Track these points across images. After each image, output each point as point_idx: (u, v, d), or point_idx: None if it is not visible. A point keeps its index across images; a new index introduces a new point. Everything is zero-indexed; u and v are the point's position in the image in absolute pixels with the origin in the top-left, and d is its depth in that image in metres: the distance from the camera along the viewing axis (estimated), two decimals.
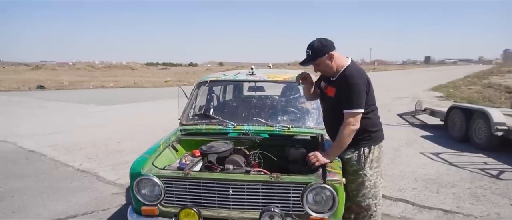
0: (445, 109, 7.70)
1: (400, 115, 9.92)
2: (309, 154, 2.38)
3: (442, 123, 7.74)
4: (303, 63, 2.45)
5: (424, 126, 8.55)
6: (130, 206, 2.50)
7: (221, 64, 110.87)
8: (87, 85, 23.86)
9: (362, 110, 2.32)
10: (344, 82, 2.35)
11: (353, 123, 2.30)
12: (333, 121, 2.43)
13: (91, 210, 3.67)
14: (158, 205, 2.36)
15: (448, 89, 18.76)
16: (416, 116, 9.54)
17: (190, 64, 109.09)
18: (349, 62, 2.42)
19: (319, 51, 2.36)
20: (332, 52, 2.37)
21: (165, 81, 27.14)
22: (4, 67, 66.33)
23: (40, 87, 21.55)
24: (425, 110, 9.03)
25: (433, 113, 8.53)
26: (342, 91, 2.35)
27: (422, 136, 7.30)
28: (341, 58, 2.43)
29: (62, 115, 10.60)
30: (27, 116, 10.49)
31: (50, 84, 23.78)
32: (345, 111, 2.32)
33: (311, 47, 2.38)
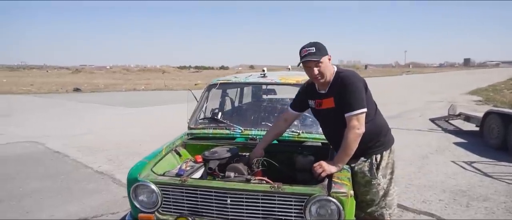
0: (481, 114, 7.18)
1: (433, 120, 9.41)
2: (315, 165, 2.20)
3: (477, 129, 7.22)
4: (310, 56, 2.17)
5: (458, 132, 8.02)
6: (129, 212, 2.43)
7: (252, 67, 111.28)
8: (120, 87, 24.64)
9: (365, 110, 2.13)
10: (341, 86, 2.18)
11: (358, 126, 2.10)
12: (339, 131, 2.20)
13: (101, 213, 3.67)
14: (156, 212, 2.26)
15: (488, 93, 17.66)
16: (449, 121, 9.00)
17: (222, 67, 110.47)
18: (336, 68, 2.29)
19: (323, 49, 2.21)
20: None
21: (195, 84, 27.48)
22: (47, 71, 70.26)
23: (77, 89, 22.48)
24: (459, 115, 8.51)
25: (467, 118, 8.00)
26: (341, 96, 2.17)
27: (455, 143, 6.83)
28: (331, 66, 2.27)
29: (92, 117, 10.93)
30: (59, 117, 10.90)
31: (87, 86, 24.78)
32: (347, 115, 2.13)
33: (313, 44, 2.21)
